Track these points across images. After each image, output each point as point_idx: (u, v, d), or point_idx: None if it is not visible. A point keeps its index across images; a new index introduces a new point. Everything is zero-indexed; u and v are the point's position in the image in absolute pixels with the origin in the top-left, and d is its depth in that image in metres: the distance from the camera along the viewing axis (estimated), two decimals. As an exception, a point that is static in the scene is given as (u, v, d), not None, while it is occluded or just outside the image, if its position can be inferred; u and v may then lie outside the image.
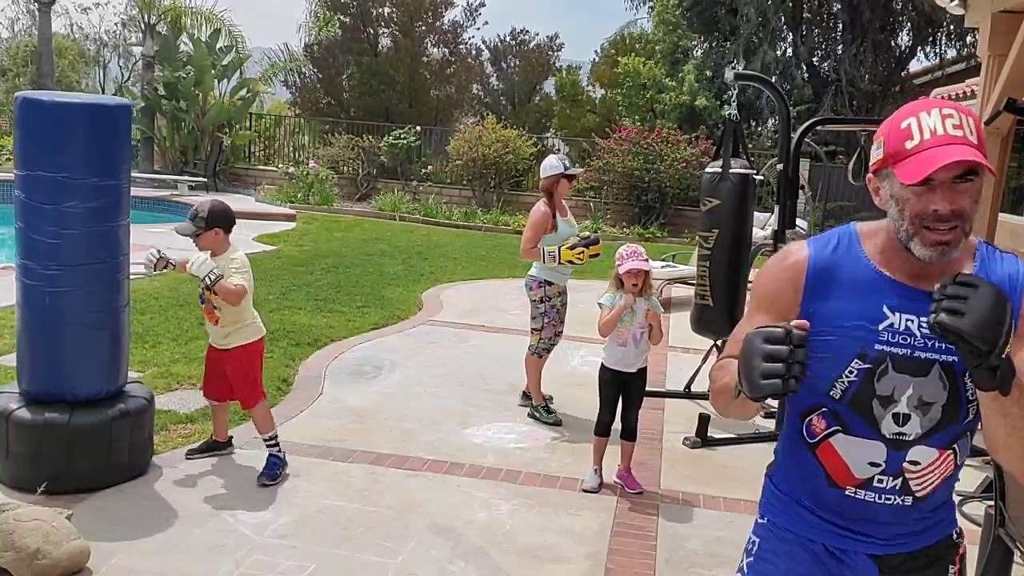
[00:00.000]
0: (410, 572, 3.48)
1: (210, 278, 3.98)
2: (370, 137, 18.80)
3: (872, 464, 1.66)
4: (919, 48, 19.79)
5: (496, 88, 25.69)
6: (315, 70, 23.41)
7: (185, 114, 18.37)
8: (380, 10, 23.35)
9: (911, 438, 1.64)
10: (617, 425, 4.51)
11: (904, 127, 1.56)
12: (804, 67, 19.81)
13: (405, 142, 18.47)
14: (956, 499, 4.18)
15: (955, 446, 1.67)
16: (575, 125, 22.84)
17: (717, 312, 5.48)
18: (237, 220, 4.36)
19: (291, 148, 21.21)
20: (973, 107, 5.91)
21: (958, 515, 3.90)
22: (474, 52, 25.18)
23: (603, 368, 4.50)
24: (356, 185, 18.30)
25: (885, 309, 1.62)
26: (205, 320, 4.37)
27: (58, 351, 3.96)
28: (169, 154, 18.91)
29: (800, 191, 6.39)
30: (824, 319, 1.63)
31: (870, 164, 1.65)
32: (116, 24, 30.32)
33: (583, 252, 5.30)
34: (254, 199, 16.96)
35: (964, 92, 10.71)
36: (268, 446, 4.31)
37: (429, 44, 24.13)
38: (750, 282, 5.18)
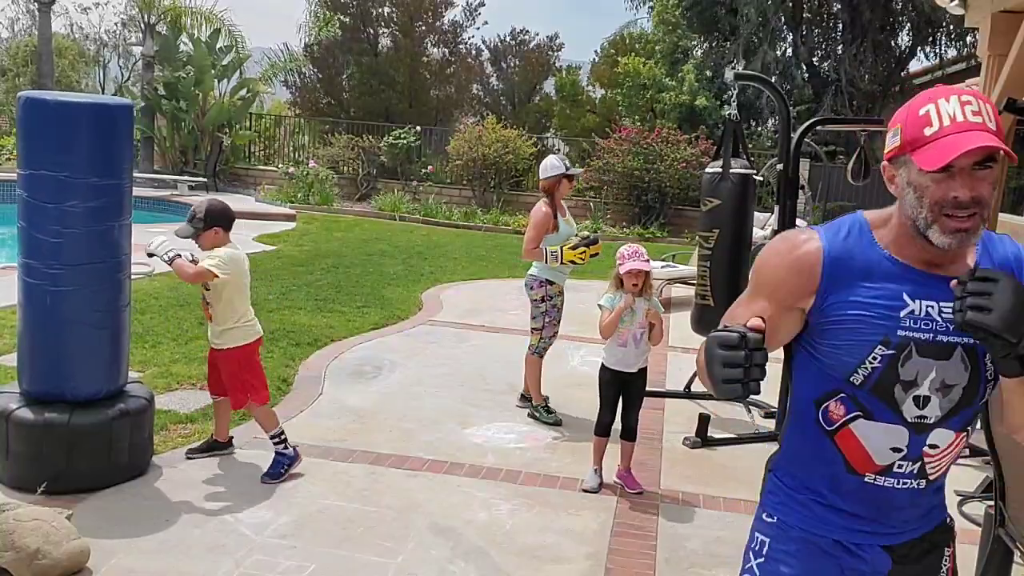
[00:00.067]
0: (410, 572, 3.48)
1: (168, 255, 4.02)
2: (370, 137, 18.80)
3: (894, 449, 1.66)
4: (919, 48, 19.79)
5: (496, 88, 25.70)
6: (315, 70, 23.41)
7: (185, 114, 18.37)
8: (380, 10, 23.36)
9: (931, 421, 1.64)
10: (617, 425, 4.51)
11: (922, 114, 1.54)
12: (804, 67, 19.81)
13: (405, 142, 18.47)
14: (956, 498, 4.18)
15: (968, 428, 1.70)
16: (575, 125, 22.84)
17: (718, 312, 5.44)
18: (237, 220, 4.36)
19: (291, 148, 21.21)
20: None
21: (958, 515, 3.90)
22: (474, 52, 25.20)
23: (603, 368, 4.49)
24: (356, 185, 18.30)
25: (905, 296, 1.61)
26: (206, 319, 4.38)
27: (59, 350, 3.96)
28: (169, 154, 18.91)
29: (800, 191, 6.39)
30: (843, 307, 1.63)
31: (885, 152, 1.64)
32: (116, 24, 30.29)
33: (584, 252, 5.33)
34: (254, 199, 16.96)
35: (964, 92, 10.68)
36: (274, 444, 4.31)
37: (429, 44, 24.14)
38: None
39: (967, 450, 4.81)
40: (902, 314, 1.61)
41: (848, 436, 1.68)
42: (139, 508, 3.87)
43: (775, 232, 5.47)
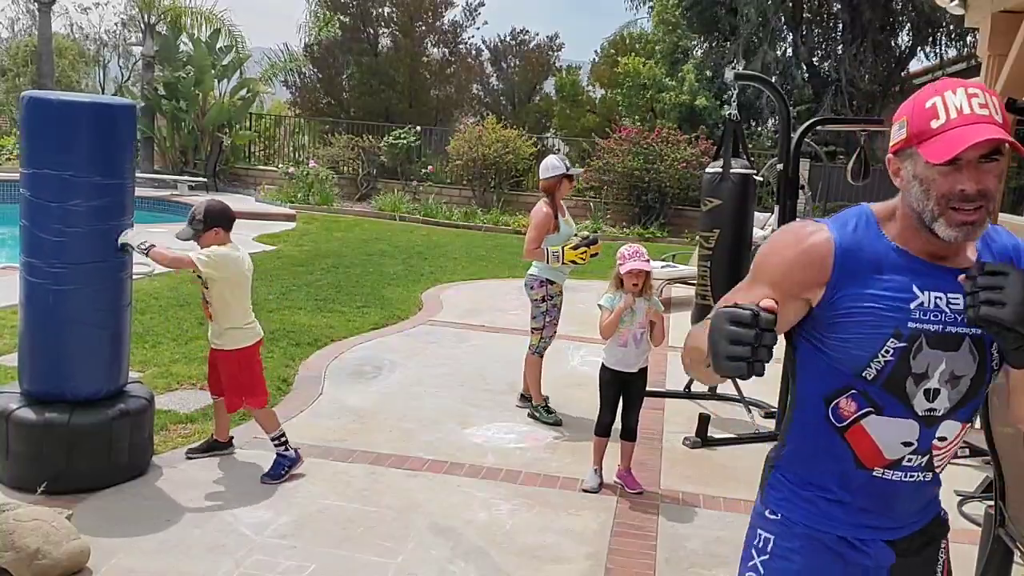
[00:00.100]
0: (410, 572, 3.48)
1: (143, 246, 4.04)
2: (370, 137, 18.79)
3: (905, 444, 1.65)
4: (919, 48, 19.80)
5: (496, 88, 25.70)
6: (315, 70, 23.41)
7: (185, 114, 18.37)
8: (380, 10, 23.36)
9: (940, 413, 1.64)
10: (617, 425, 4.51)
11: (929, 106, 1.54)
12: (804, 67, 19.82)
13: (405, 142, 18.47)
14: (956, 498, 4.18)
15: (971, 418, 1.70)
16: (575, 125, 22.84)
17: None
18: (237, 220, 4.35)
19: (291, 148, 21.21)
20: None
21: (958, 515, 3.90)
22: (474, 52, 25.20)
23: (604, 368, 4.49)
24: (356, 185, 18.30)
25: (914, 288, 1.61)
26: (206, 319, 4.38)
27: (61, 349, 3.96)
28: (169, 154, 18.91)
29: (800, 191, 6.39)
30: (855, 300, 1.61)
31: (890, 145, 1.63)
32: (116, 24, 30.36)
33: (585, 252, 5.35)
34: (254, 199, 16.96)
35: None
36: (276, 446, 4.31)
37: (429, 44, 24.14)
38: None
39: (967, 450, 4.81)
40: (912, 306, 1.60)
41: (859, 432, 1.67)
42: (139, 508, 3.87)
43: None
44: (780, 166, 5.42)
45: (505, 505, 4.17)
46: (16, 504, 3.42)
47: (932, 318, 1.60)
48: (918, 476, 1.69)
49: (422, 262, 11.34)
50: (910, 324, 1.59)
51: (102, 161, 3.89)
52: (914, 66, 20.49)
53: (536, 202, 5.58)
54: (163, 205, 15.13)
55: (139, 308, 7.07)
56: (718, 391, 5.98)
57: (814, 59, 20.22)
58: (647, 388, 4.62)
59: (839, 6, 19.82)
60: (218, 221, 4.18)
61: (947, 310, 1.60)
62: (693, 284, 7.43)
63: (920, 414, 1.63)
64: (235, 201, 11.57)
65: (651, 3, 21.80)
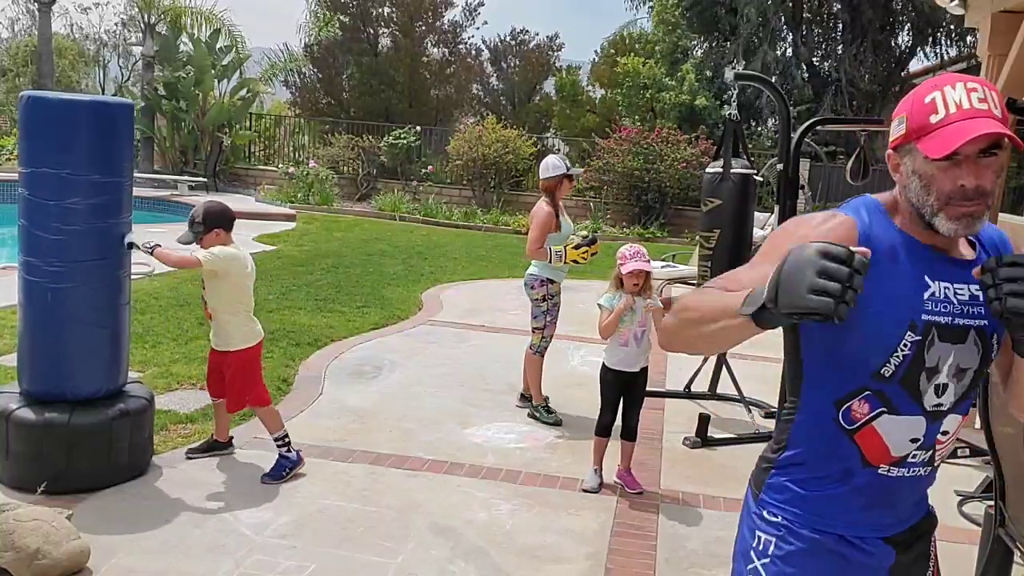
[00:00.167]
0: (410, 572, 3.48)
1: (147, 245, 4.05)
2: (370, 137, 18.80)
3: (913, 440, 1.64)
4: (919, 48, 19.82)
5: (496, 88, 25.71)
6: (315, 70, 23.42)
7: (185, 114, 18.37)
8: (380, 10, 23.37)
9: (946, 408, 1.64)
10: (617, 425, 4.51)
11: (928, 101, 1.53)
12: (804, 67, 19.82)
13: (405, 142, 18.47)
14: (956, 498, 4.18)
15: (968, 411, 1.70)
16: (575, 125, 22.85)
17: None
18: (237, 220, 4.35)
19: (291, 148, 21.22)
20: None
21: (958, 515, 3.90)
22: (474, 52, 25.21)
23: (605, 369, 4.49)
24: (356, 185, 18.31)
25: (926, 278, 1.59)
26: (206, 319, 4.38)
27: (60, 348, 3.96)
28: (169, 154, 18.91)
29: (800, 191, 6.39)
30: (875, 289, 1.54)
31: (890, 140, 1.62)
32: (116, 24, 30.39)
33: (586, 251, 5.37)
34: (254, 199, 16.96)
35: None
36: (278, 447, 4.31)
37: (429, 44, 24.15)
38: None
39: (967, 450, 4.80)
40: (925, 296, 1.58)
41: (870, 433, 1.64)
42: (139, 508, 3.87)
43: (775, 232, 5.47)
44: (780, 166, 5.42)
45: (505, 505, 4.17)
46: (16, 504, 3.42)
47: (942, 309, 1.58)
48: (920, 471, 1.69)
49: (422, 262, 11.34)
50: (923, 316, 1.58)
51: (101, 159, 3.89)
52: (914, 66, 20.52)
53: (536, 202, 5.58)
54: (163, 205, 15.14)
55: (139, 308, 7.07)
56: (718, 391, 5.99)
57: (814, 59, 20.23)
58: (647, 388, 4.62)
59: (839, 6, 19.84)
60: (218, 222, 4.18)
61: (955, 300, 1.59)
62: (693, 284, 7.43)
63: (928, 410, 1.63)
64: (235, 201, 11.59)
65: (651, 3, 21.82)
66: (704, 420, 5.17)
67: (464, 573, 3.51)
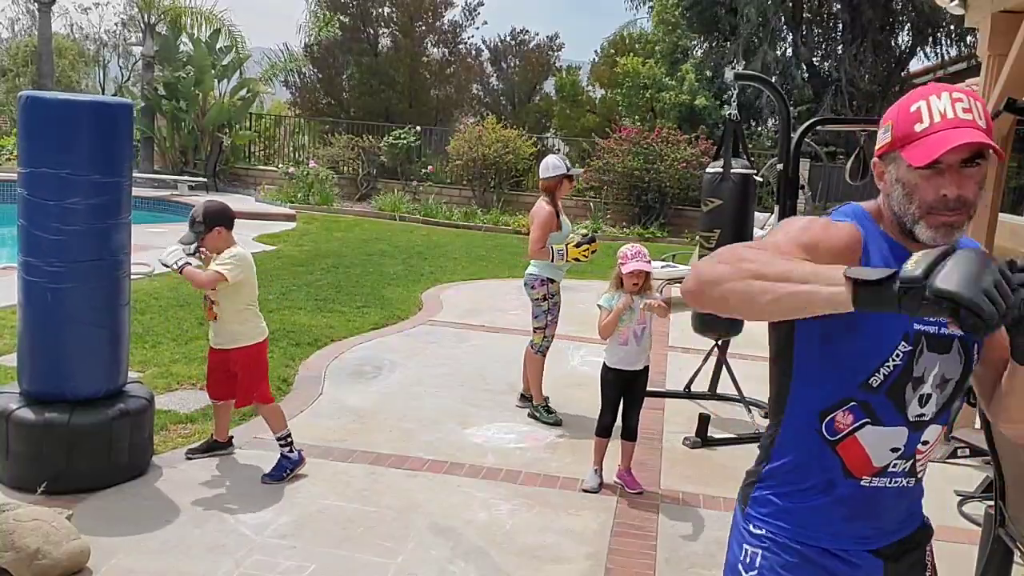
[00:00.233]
0: (410, 572, 3.48)
1: (178, 264, 4.04)
2: (370, 137, 18.80)
3: (893, 450, 1.65)
4: (919, 48, 19.83)
5: (496, 88, 25.71)
6: (315, 70, 23.42)
7: (185, 114, 18.37)
8: (380, 10, 23.38)
9: (928, 418, 1.64)
10: (617, 424, 4.51)
11: (913, 110, 1.54)
12: (804, 67, 19.83)
13: (405, 142, 18.47)
14: (956, 498, 4.18)
15: (949, 421, 1.71)
16: (575, 125, 22.85)
17: (718, 312, 5.47)
18: (237, 220, 4.36)
19: (291, 148, 21.22)
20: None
21: (958, 515, 3.90)
22: (474, 52, 25.22)
23: (606, 368, 4.49)
24: (356, 185, 18.31)
25: None
26: (206, 319, 4.38)
27: (59, 348, 3.96)
28: (169, 154, 18.91)
29: (800, 191, 6.39)
30: None
31: (876, 148, 1.63)
32: (116, 24, 30.38)
33: (587, 249, 5.39)
34: (254, 199, 16.96)
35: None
36: (280, 446, 4.31)
37: (429, 44, 24.16)
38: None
39: (967, 450, 4.80)
40: None
41: (852, 444, 1.65)
42: (139, 508, 3.87)
43: (775, 232, 5.47)
44: (780, 166, 5.42)
45: (505, 505, 4.17)
46: (16, 504, 3.42)
47: (930, 319, 1.58)
48: (901, 482, 1.69)
49: (422, 262, 11.34)
50: (915, 326, 1.58)
51: (100, 160, 3.89)
52: (914, 66, 20.53)
53: (536, 202, 5.58)
54: (163, 205, 15.14)
55: (139, 308, 7.07)
56: (718, 391, 5.99)
57: (814, 59, 20.24)
58: (647, 388, 4.63)
59: (839, 6, 19.85)
60: (219, 221, 4.19)
61: None
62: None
63: (911, 420, 1.63)
64: (235, 201, 11.58)
65: (651, 3, 21.82)
66: (704, 420, 5.17)
67: (464, 573, 3.51)
